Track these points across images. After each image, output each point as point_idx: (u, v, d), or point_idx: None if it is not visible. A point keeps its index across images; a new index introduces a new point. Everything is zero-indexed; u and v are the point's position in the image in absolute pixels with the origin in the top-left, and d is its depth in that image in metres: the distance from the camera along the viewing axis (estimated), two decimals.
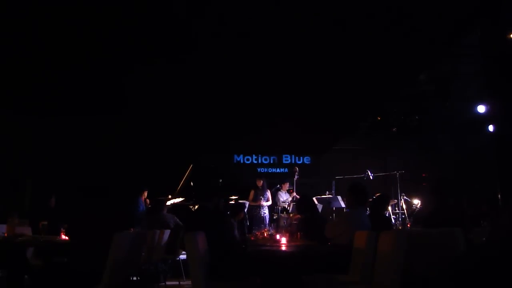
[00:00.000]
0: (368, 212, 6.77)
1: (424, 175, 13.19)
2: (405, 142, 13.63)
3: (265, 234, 6.15)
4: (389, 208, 10.13)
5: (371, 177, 11.84)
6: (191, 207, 10.25)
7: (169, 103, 9.89)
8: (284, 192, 11.73)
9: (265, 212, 11.35)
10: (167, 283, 7.56)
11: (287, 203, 11.36)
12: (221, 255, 4.64)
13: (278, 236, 5.40)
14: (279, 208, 11.30)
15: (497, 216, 6.70)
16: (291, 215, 10.02)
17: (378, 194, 7.98)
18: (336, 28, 6.75)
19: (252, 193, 11.48)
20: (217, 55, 7.62)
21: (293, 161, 15.44)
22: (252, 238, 6.22)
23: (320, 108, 10.40)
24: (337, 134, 13.25)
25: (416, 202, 11.40)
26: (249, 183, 12.01)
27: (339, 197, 10.68)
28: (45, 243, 5.34)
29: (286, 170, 15.21)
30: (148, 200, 10.88)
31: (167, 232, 7.27)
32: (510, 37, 6.78)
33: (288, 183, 11.84)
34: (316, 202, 9.30)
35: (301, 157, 15.56)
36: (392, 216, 10.74)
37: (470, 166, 11.78)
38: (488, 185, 8.54)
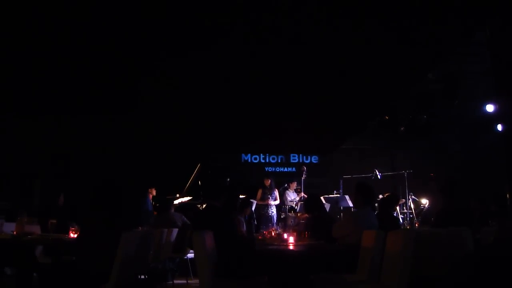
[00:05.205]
0: (376, 211, 6.77)
1: (432, 174, 13.13)
2: (413, 141, 13.55)
3: (273, 233, 6.14)
4: (397, 207, 10.11)
5: (379, 177, 11.81)
6: (199, 206, 10.27)
7: (178, 103, 9.92)
8: (291, 191, 11.72)
9: (273, 211, 11.34)
10: (175, 281, 7.58)
11: (294, 202, 11.36)
12: (228, 254, 4.65)
13: (285, 235, 5.38)
14: (287, 207, 11.30)
15: (505, 215, 6.67)
16: (298, 214, 10.02)
17: (387, 194, 7.97)
18: (343, 27, 6.74)
19: (259, 192, 11.47)
20: (226, 56, 7.63)
21: (300, 161, 15.42)
22: (260, 237, 6.22)
23: (328, 108, 10.38)
24: (344, 134, 13.22)
25: (424, 201, 11.37)
26: (256, 182, 12.01)
27: (347, 197, 10.67)
28: (53, 241, 5.38)
29: (294, 169, 15.19)
30: (153, 202, 10.92)
31: (175, 231, 7.30)
32: None
33: (295, 182, 11.83)
34: (323, 201, 9.28)
35: (309, 157, 15.54)
36: (400, 215, 10.72)
37: (478, 165, 11.72)
38: (497, 185, 8.50)
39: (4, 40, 7.04)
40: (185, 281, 7.71)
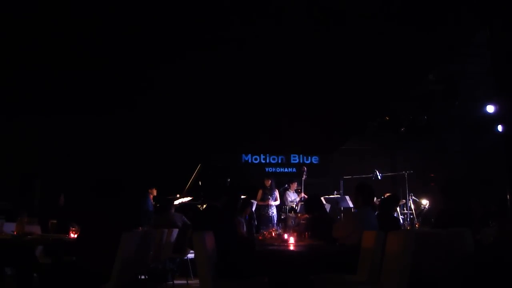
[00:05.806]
0: (377, 211, 6.77)
1: (432, 175, 13.14)
2: (413, 142, 13.54)
3: (273, 234, 6.14)
4: (397, 208, 10.11)
5: (379, 177, 11.81)
6: (199, 206, 10.27)
7: (178, 103, 9.92)
8: (292, 191, 11.71)
9: (273, 211, 11.34)
10: (175, 282, 7.58)
11: (295, 203, 11.36)
12: (228, 254, 4.65)
13: (286, 236, 5.38)
14: (287, 207, 11.29)
15: (505, 216, 6.66)
16: (299, 214, 10.02)
17: (388, 194, 7.95)
18: (345, 28, 6.74)
19: (260, 192, 11.47)
20: (226, 55, 7.63)
21: (301, 161, 15.42)
22: (260, 238, 6.22)
23: (329, 108, 10.38)
24: (345, 134, 13.22)
25: (425, 202, 11.36)
26: (257, 183, 12.00)
27: (347, 197, 10.67)
28: (54, 241, 5.37)
29: (294, 169, 15.19)
30: (154, 203, 10.92)
31: (175, 231, 7.29)
32: None
33: (296, 183, 11.83)
34: (324, 202, 9.28)
35: (309, 157, 15.54)
36: (400, 216, 10.71)
37: (478, 166, 11.72)
38: (497, 185, 8.49)
39: (4, 40, 7.05)
40: (185, 282, 7.71)
